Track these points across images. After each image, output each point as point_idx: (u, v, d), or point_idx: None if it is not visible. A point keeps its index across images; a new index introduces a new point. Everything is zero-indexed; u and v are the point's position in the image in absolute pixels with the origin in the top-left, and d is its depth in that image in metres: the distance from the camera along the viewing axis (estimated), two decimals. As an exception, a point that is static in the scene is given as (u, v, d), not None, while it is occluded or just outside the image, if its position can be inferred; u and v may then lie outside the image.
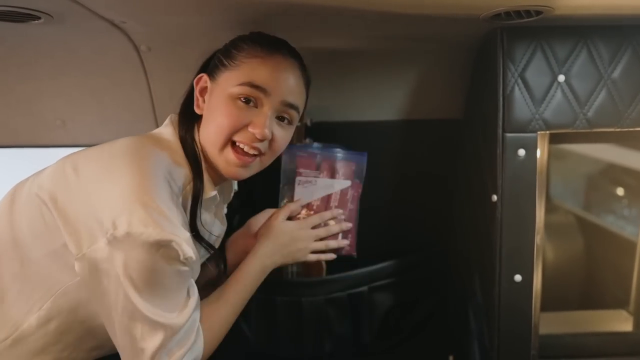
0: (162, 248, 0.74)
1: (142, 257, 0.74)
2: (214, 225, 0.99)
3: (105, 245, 0.74)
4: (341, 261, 1.33)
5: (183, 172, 0.85)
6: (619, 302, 1.61)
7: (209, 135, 0.88)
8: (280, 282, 1.23)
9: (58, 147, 1.29)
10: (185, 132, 0.90)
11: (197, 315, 0.85)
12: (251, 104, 0.87)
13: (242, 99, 0.86)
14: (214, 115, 0.88)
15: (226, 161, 0.88)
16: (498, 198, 1.05)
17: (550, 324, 1.30)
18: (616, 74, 1.02)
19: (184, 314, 0.80)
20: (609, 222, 2.03)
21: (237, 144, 0.87)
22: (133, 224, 0.72)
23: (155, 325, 0.77)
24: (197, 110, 0.91)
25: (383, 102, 1.33)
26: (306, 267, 1.33)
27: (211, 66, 0.92)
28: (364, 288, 1.38)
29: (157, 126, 0.95)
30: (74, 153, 0.85)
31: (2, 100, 1.28)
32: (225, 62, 0.89)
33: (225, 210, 1.06)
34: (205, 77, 0.91)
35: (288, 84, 0.90)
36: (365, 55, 1.23)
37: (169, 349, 0.79)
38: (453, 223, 1.38)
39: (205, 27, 1.01)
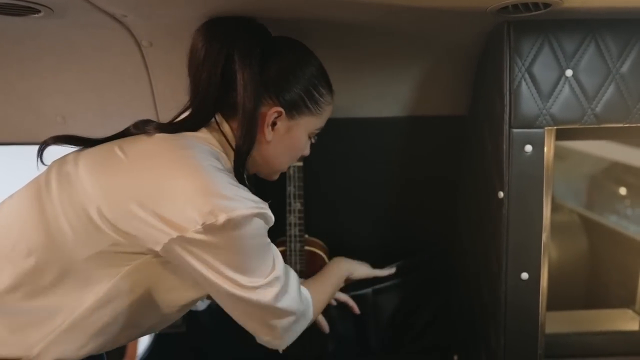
0: (257, 219, 0.80)
1: (241, 236, 0.79)
2: None
3: (196, 234, 0.76)
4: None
5: (224, 158, 0.90)
6: (624, 302, 1.60)
7: (277, 161, 0.98)
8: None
9: (58, 145, 1.27)
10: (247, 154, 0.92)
11: (290, 271, 0.94)
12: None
13: (313, 137, 1.01)
14: (290, 148, 0.97)
15: (275, 175, 1.02)
16: (505, 195, 1.04)
17: (556, 323, 1.28)
18: (625, 68, 1.00)
19: (277, 267, 0.86)
20: (612, 221, 2.01)
21: None
22: (228, 209, 0.76)
23: (263, 285, 0.83)
24: (267, 138, 0.93)
25: (387, 99, 1.32)
26: (312, 269, 1.32)
27: (288, 100, 0.92)
28: (368, 290, 1.37)
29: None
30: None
31: (1, 96, 1.26)
32: (311, 107, 0.95)
33: None
34: (282, 113, 0.92)
35: None
36: (369, 51, 1.21)
37: (282, 291, 0.87)
38: (457, 221, 1.37)
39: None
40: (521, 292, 1.06)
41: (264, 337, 0.90)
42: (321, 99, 0.95)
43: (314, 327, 1.34)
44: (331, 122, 1.32)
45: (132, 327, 0.89)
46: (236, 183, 0.84)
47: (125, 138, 0.90)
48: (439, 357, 1.44)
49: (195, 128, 0.89)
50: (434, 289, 1.44)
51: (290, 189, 1.31)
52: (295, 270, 1.29)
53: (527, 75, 1.00)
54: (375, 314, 1.39)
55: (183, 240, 0.77)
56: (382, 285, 1.39)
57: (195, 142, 0.87)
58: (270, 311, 0.85)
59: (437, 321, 1.45)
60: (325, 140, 1.31)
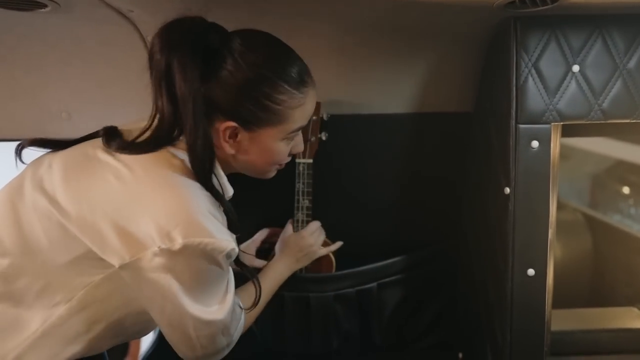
0: (218, 254, 0.79)
1: (197, 265, 0.79)
2: None
3: (154, 256, 0.76)
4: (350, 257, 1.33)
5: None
6: (629, 300, 1.60)
7: (250, 169, 0.94)
8: (288, 278, 1.22)
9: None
10: (210, 169, 0.87)
11: (236, 299, 0.93)
12: (296, 135, 0.94)
13: (290, 139, 0.92)
14: (259, 157, 0.91)
15: (270, 173, 0.97)
16: (511, 190, 1.03)
17: (561, 320, 1.28)
18: (632, 64, 1.00)
19: (225, 304, 0.86)
20: (616, 220, 2.01)
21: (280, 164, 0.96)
22: (188, 236, 0.75)
23: (205, 321, 0.83)
24: (228, 151, 0.88)
25: (393, 95, 1.32)
26: (317, 264, 1.32)
27: (241, 116, 0.85)
28: (373, 284, 1.37)
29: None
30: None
31: (7, 91, 1.26)
32: (265, 117, 0.85)
33: None
34: (237, 128, 0.86)
35: None
36: (375, 48, 1.21)
37: (220, 334, 0.87)
38: (463, 217, 1.36)
39: (212, 17, 1.00)
40: (527, 288, 1.06)
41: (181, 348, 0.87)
42: (278, 107, 0.85)
43: (318, 322, 1.35)
44: (336, 119, 1.32)
45: (112, 334, 0.87)
46: (214, 211, 0.82)
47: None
48: (443, 355, 1.43)
49: (155, 148, 0.83)
50: (439, 285, 1.43)
51: (299, 186, 1.29)
52: (300, 268, 1.29)
53: (533, 71, 1.00)
54: (380, 309, 1.39)
55: (136, 267, 0.77)
56: (387, 279, 1.38)
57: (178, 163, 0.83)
58: (198, 323, 0.84)
59: (441, 318, 1.45)
60: (330, 136, 1.31)
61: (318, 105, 1.27)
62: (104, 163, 0.82)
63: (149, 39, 1.12)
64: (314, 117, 1.28)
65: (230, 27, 0.88)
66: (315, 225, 1.28)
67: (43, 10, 0.93)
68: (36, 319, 0.81)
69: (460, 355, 1.39)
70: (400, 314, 1.42)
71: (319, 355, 1.39)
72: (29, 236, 0.81)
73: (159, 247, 0.75)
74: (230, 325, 0.89)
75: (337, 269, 1.34)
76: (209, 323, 0.84)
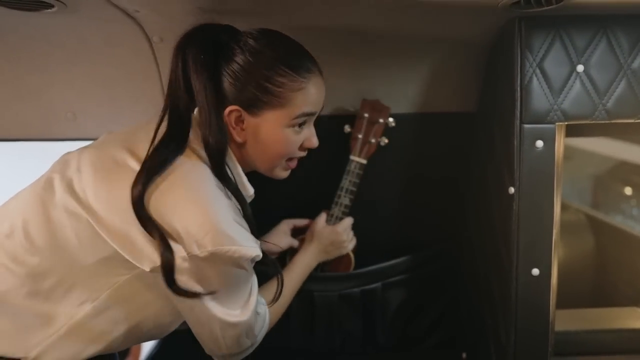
0: (244, 261, 0.83)
1: (223, 270, 0.82)
2: None
3: (183, 261, 0.79)
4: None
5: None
6: (631, 300, 1.60)
7: (262, 160, 0.94)
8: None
9: (68, 141, 1.28)
10: (222, 160, 0.89)
11: (260, 299, 0.97)
12: (303, 124, 0.93)
13: (296, 126, 0.91)
14: (267, 145, 0.91)
15: (282, 170, 0.97)
16: (515, 190, 1.03)
17: (564, 321, 1.28)
18: (636, 64, 1.00)
19: (249, 306, 0.90)
20: (619, 220, 2.01)
21: (292, 159, 0.96)
22: (217, 244, 0.79)
23: (230, 323, 0.87)
24: (237, 139, 0.91)
25: (396, 95, 1.32)
26: (337, 262, 1.33)
27: (244, 100, 0.88)
28: (378, 285, 1.37)
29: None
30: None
31: (12, 92, 1.26)
32: (266, 100, 0.88)
33: None
34: (241, 112, 0.88)
35: (325, 95, 0.95)
36: (378, 48, 1.21)
37: (244, 336, 0.91)
38: (466, 217, 1.36)
39: (217, 16, 1.00)
40: (532, 288, 1.06)
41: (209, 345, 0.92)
42: (279, 89, 0.87)
43: (322, 320, 1.35)
44: (339, 119, 1.33)
45: (130, 334, 0.90)
46: (238, 219, 0.85)
47: (132, 142, 0.88)
48: (447, 355, 1.43)
49: (180, 151, 0.86)
50: (443, 286, 1.43)
51: (345, 183, 1.28)
52: (320, 268, 1.31)
53: (538, 71, 1.00)
54: (384, 309, 1.39)
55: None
56: (392, 279, 1.38)
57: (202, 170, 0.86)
58: (224, 325, 0.88)
59: (445, 318, 1.45)
60: (333, 137, 1.31)
61: (387, 110, 1.28)
62: (132, 170, 0.83)
63: (154, 39, 1.12)
64: (381, 120, 1.28)
65: (241, 24, 0.91)
66: (350, 221, 1.29)
67: (49, 10, 0.93)
68: (62, 317, 0.83)
69: (464, 355, 1.39)
70: (404, 314, 1.42)
71: (323, 354, 1.39)
72: (59, 236, 0.83)
73: (188, 253, 0.78)
74: (254, 326, 0.93)
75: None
76: (234, 325, 0.88)
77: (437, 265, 1.42)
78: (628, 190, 2.15)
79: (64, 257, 0.82)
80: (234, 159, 0.92)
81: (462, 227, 1.38)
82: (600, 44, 1.00)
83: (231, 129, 0.89)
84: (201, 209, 0.80)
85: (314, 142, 0.96)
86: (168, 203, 0.80)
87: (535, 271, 1.05)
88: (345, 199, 1.28)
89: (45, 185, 0.87)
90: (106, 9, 0.95)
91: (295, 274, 1.18)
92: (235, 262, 0.82)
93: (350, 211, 1.30)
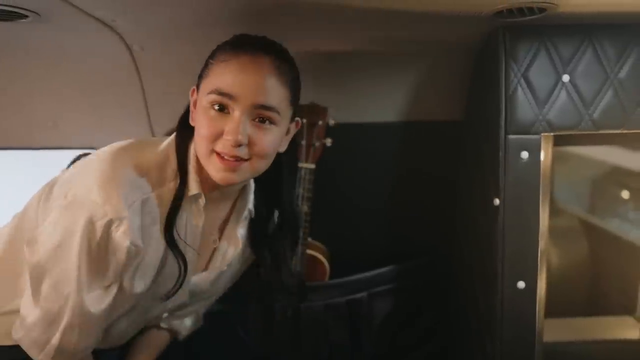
0: (104, 219, 0.80)
1: (82, 221, 0.80)
2: (204, 239, 0.96)
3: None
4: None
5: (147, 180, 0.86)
6: (625, 309, 1.58)
7: (196, 146, 0.87)
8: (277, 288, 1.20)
9: (50, 150, 1.27)
10: (181, 141, 0.89)
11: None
12: (225, 110, 0.83)
13: (214, 107, 0.83)
14: (197, 126, 0.86)
15: (214, 168, 0.85)
16: (500, 202, 1.02)
17: (555, 330, 1.27)
18: (623, 73, 0.98)
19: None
20: (614, 226, 1.99)
21: (219, 152, 0.84)
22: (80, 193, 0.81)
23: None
24: (191, 123, 0.88)
25: (383, 104, 1.31)
26: (311, 272, 1.31)
27: (198, 79, 0.89)
28: (364, 294, 1.35)
29: (150, 126, 0.93)
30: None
31: (-8, 101, 1.26)
32: (202, 71, 0.87)
33: (241, 232, 1.00)
34: (194, 89, 0.88)
35: (257, 84, 0.83)
36: (365, 57, 1.21)
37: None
38: (455, 227, 1.35)
39: (197, 25, 0.99)
40: (517, 300, 1.05)
41: None
42: (211, 60, 0.85)
43: (309, 333, 1.33)
44: (327, 128, 1.31)
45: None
46: (135, 182, 0.84)
47: None
48: (435, 365, 1.42)
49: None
50: (431, 295, 1.42)
51: (299, 191, 1.25)
52: (295, 272, 1.27)
53: (523, 81, 0.99)
54: (370, 319, 1.37)
55: None
56: (378, 289, 1.37)
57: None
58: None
59: (434, 328, 1.43)
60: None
61: (324, 111, 1.25)
62: None
63: (134, 47, 1.11)
64: (320, 122, 1.25)
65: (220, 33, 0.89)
66: None
67: (24, 20, 0.92)
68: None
69: (452, 365, 1.38)
70: (391, 324, 1.40)
71: (310, 365, 1.38)
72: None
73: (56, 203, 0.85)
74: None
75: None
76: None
77: (424, 275, 1.41)
78: (625, 195, 2.13)
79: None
80: (193, 157, 0.89)
81: (450, 237, 1.37)
82: (586, 53, 0.98)
83: (192, 109, 0.88)
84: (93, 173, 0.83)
85: (230, 133, 0.82)
86: None
87: (521, 284, 1.04)
88: (304, 207, 1.26)
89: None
90: (83, 19, 0.93)
91: None
92: (94, 217, 0.82)
93: (312, 218, 1.27)
